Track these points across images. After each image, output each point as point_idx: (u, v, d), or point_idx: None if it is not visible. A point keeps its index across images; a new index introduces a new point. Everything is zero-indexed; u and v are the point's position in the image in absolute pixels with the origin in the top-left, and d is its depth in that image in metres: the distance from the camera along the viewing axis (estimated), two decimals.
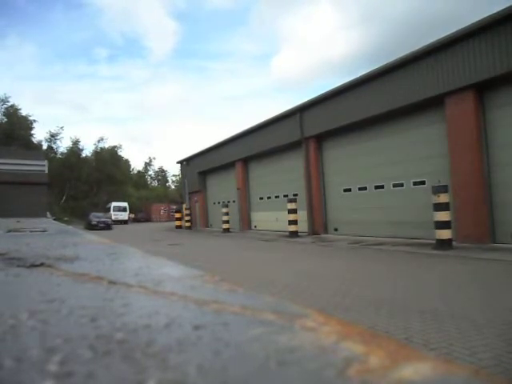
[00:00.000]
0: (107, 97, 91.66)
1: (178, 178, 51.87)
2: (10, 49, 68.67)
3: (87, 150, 46.76)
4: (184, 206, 22.62)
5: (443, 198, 7.70)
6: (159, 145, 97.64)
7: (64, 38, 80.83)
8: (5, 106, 34.44)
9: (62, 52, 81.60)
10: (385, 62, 10.07)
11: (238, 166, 17.64)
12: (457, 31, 8.33)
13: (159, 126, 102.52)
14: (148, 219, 41.38)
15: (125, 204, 35.92)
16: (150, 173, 59.07)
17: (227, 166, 18.81)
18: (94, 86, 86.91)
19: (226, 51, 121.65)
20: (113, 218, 34.02)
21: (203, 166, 21.10)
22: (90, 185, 38.63)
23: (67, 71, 79.16)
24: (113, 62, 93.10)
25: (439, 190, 7.72)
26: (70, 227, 2.65)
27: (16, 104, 35.39)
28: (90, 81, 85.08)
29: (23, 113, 35.04)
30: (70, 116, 75.31)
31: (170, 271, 0.74)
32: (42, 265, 0.84)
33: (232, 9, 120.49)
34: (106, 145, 42.83)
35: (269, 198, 16.08)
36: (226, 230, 16.43)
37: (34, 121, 35.76)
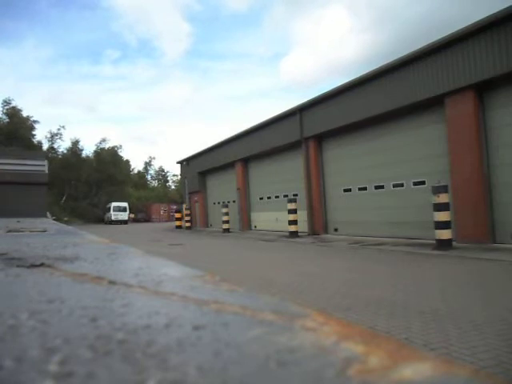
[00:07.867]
0: (116, 97, 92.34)
1: (177, 178, 51.87)
2: (24, 50, 69.02)
3: (88, 150, 46.74)
4: (184, 206, 22.61)
5: (443, 198, 7.69)
6: (162, 145, 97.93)
7: (80, 40, 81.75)
8: (6, 107, 34.59)
9: (77, 53, 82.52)
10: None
11: (238, 166, 17.63)
12: (457, 31, 8.33)
13: (164, 126, 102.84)
14: (148, 219, 41.38)
15: (125, 204, 35.93)
16: (150, 172, 59.14)
17: (227, 166, 18.80)
18: (103, 86, 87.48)
19: (237, 53, 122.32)
20: (113, 218, 34.11)
21: (203, 166, 21.09)
22: (90, 185, 38.63)
23: (76, 72, 79.71)
24: (125, 63, 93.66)
25: (439, 189, 7.72)
26: (70, 227, 2.65)
27: (19, 105, 35.69)
28: (98, 81, 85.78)
29: (26, 113, 35.26)
30: (77, 116, 76.01)
31: (170, 271, 0.74)
32: (41, 265, 0.84)
33: (246, 13, 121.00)
34: (108, 145, 42.86)
35: (269, 198, 16.08)
36: (226, 230, 16.43)
37: (35, 121, 35.88)
